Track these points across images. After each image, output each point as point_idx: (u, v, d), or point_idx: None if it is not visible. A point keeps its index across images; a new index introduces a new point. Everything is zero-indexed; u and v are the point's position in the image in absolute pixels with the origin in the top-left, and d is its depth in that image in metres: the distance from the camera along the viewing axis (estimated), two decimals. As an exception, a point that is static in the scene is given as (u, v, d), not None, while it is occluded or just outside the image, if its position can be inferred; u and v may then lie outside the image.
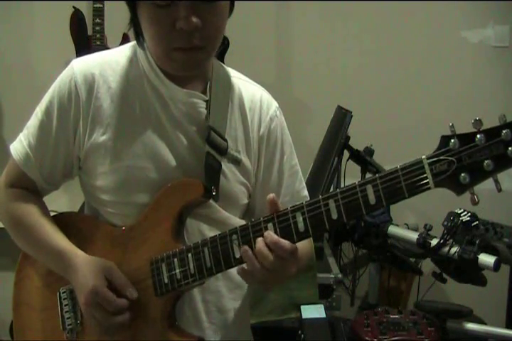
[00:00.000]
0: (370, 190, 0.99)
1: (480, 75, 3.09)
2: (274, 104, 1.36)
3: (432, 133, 3.08)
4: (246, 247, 1.09)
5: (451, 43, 3.11)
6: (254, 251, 1.08)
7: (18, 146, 1.30)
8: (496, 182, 0.91)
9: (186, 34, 1.11)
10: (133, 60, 1.26)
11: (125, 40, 2.75)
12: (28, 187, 1.32)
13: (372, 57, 3.12)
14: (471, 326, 2.10)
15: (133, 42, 1.28)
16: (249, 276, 1.11)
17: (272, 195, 1.10)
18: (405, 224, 2.70)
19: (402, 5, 3.01)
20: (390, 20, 3.10)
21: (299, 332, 2.04)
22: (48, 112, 1.26)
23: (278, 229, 1.08)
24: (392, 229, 2.30)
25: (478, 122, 0.90)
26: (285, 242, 1.06)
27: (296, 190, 1.37)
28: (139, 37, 1.22)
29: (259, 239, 1.08)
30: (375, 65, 3.12)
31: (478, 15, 3.06)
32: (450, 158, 0.93)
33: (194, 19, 1.10)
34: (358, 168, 2.58)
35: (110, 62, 1.26)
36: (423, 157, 0.96)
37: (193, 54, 1.16)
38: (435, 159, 0.95)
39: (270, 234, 1.07)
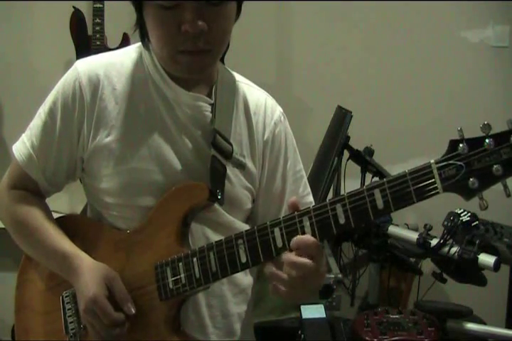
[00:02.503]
0: (378, 194, 0.98)
1: (480, 75, 3.09)
2: (279, 109, 1.35)
3: (431, 133, 3.10)
4: (272, 268, 1.07)
5: (451, 43, 3.10)
6: (284, 261, 1.05)
7: (21, 147, 1.29)
8: (505, 187, 0.90)
9: (192, 37, 1.10)
10: (138, 62, 1.25)
11: (125, 40, 2.75)
12: (31, 188, 1.31)
13: (372, 57, 3.12)
14: (471, 326, 2.10)
15: (138, 44, 1.27)
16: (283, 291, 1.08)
17: (293, 198, 1.09)
18: (405, 224, 2.71)
19: (402, 5, 3.01)
20: (390, 20, 3.09)
21: (299, 332, 2.04)
22: (51, 113, 1.25)
23: (284, 234, 1.07)
24: (392, 229, 2.31)
25: (486, 126, 0.89)
26: (308, 237, 1.04)
27: (300, 196, 1.34)
28: (144, 38, 1.21)
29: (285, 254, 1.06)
30: (375, 65, 3.12)
31: (478, 15, 3.06)
32: (459, 163, 0.92)
33: (200, 22, 1.09)
34: (358, 168, 2.58)
35: (115, 64, 1.25)
36: (431, 161, 0.95)
37: (199, 57, 1.14)
38: (444, 163, 0.93)
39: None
